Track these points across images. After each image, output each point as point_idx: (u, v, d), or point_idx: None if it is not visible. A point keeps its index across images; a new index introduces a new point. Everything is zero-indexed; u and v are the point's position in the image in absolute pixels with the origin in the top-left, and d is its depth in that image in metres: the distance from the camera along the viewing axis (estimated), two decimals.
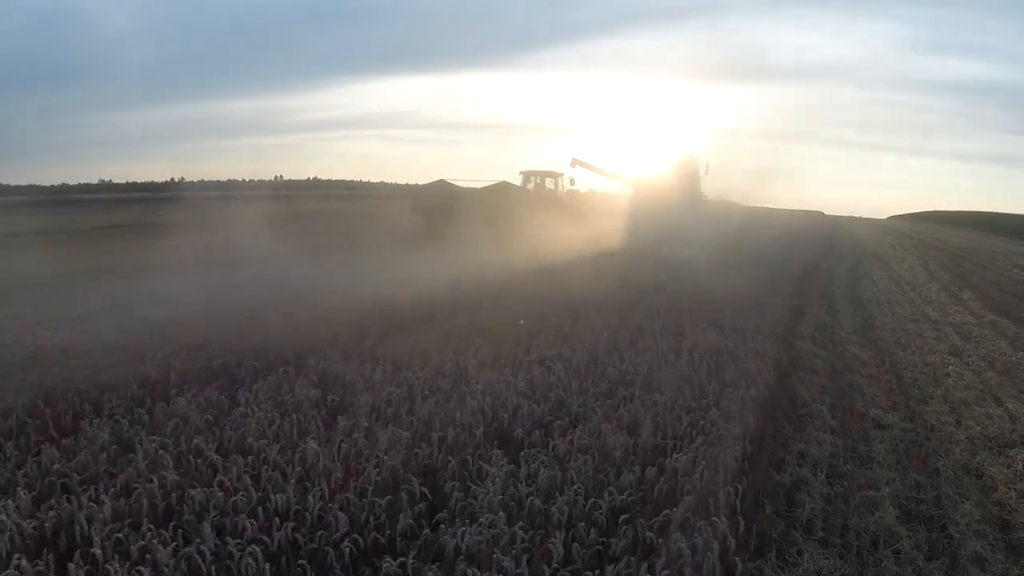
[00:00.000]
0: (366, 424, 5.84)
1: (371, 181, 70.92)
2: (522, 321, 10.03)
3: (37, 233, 24.73)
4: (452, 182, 32.43)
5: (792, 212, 69.35)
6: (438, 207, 28.39)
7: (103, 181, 59.74)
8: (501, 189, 31.98)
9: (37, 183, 53.92)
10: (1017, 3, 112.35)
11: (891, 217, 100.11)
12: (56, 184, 54.84)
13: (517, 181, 34.61)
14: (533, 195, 33.29)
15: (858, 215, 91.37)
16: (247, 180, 57.75)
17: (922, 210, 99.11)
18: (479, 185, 32.40)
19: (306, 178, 66.72)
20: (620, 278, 15.22)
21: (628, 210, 32.87)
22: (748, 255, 22.03)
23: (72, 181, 57.14)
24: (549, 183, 34.65)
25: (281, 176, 59.45)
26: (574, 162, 36.52)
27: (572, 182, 35.34)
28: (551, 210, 29.33)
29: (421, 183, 33.92)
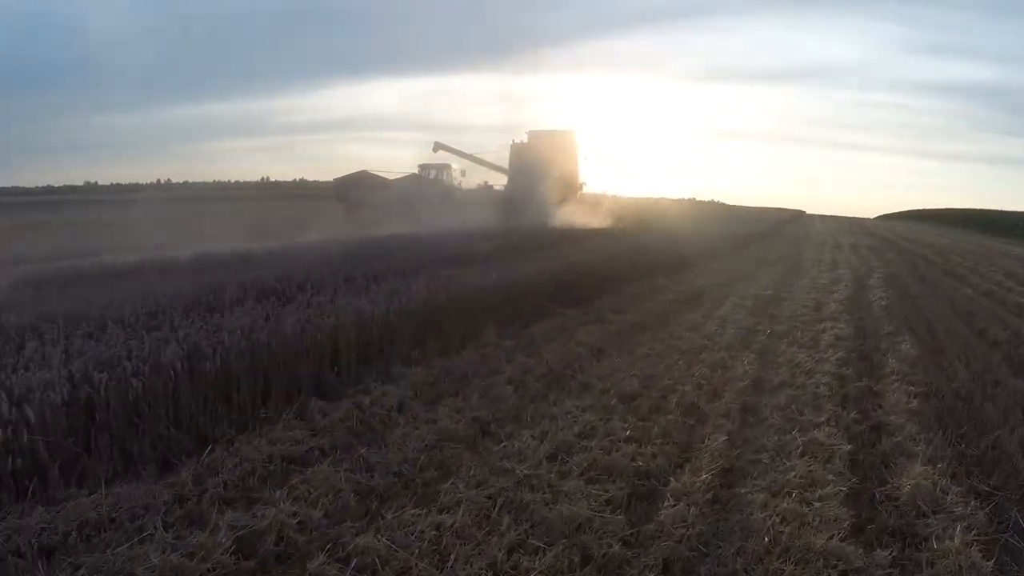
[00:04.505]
0: None
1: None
2: None
3: None
4: (375, 173, 33.11)
5: (752, 209, 62.10)
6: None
7: (88, 183, 59.70)
8: (412, 181, 32.95)
9: (21, 185, 54.96)
10: (1011, 5, 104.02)
11: (879, 216, 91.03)
12: (41, 186, 55.96)
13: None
14: (431, 186, 33.52)
15: (846, 215, 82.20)
16: (233, 182, 56.99)
17: (911, 208, 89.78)
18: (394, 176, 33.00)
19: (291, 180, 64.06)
20: None
21: (500, 198, 30.78)
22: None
23: (57, 183, 57.12)
24: (445, 175, 34.34)
25: (267, 177, 61.16)
26: (436, 146, 33.47)
27: (463, 173, 34.58)
28: (436, 201, 28.82)
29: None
